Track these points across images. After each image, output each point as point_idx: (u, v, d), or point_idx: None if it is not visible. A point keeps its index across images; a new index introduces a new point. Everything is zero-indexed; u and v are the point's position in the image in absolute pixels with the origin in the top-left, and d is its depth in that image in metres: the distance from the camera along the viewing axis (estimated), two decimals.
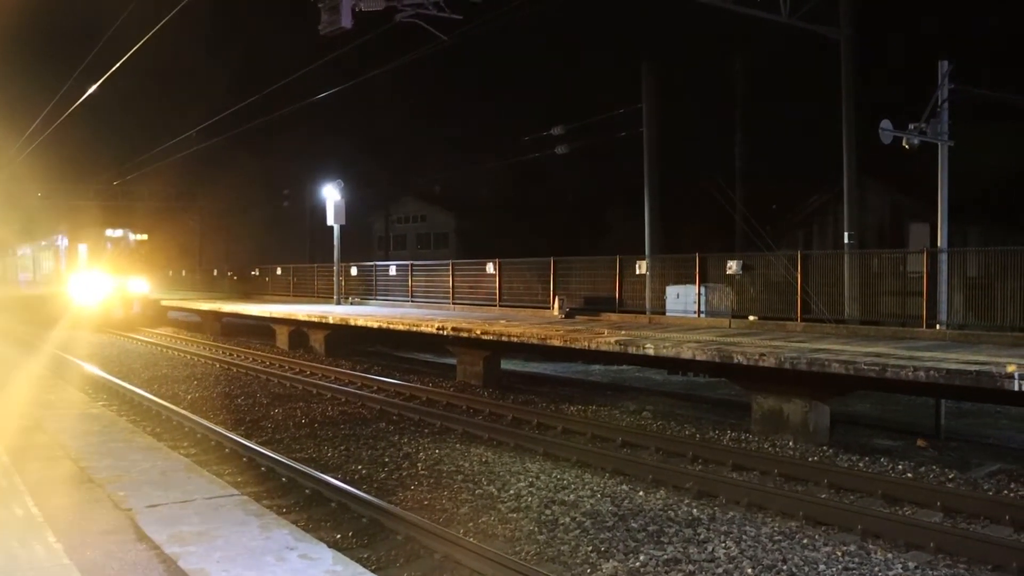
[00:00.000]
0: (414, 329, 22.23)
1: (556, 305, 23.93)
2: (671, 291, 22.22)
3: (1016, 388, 10.54)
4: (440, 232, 64.78)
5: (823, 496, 10.49)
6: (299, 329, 29.25)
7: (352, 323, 25.30)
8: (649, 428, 14.85)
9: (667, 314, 21.97)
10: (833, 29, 20.68)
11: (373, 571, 7.60)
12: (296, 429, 14.94)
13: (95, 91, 22.59)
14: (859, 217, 22.18)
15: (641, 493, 10.62)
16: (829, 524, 9.32)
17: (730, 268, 20.39)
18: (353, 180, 40.17)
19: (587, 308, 23.62)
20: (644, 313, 22.59)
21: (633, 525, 9.21)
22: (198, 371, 22.96)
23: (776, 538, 8.82)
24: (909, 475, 11.43)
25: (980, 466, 12.31)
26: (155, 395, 17.54)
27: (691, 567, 8.01)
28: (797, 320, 18.54)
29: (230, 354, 27.18)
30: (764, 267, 20.68)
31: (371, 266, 36.58)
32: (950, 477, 11.26)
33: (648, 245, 27.48)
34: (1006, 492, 10.62)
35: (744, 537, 8.83)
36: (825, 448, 12.90)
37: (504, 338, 18.79)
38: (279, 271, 44.61)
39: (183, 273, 59.78)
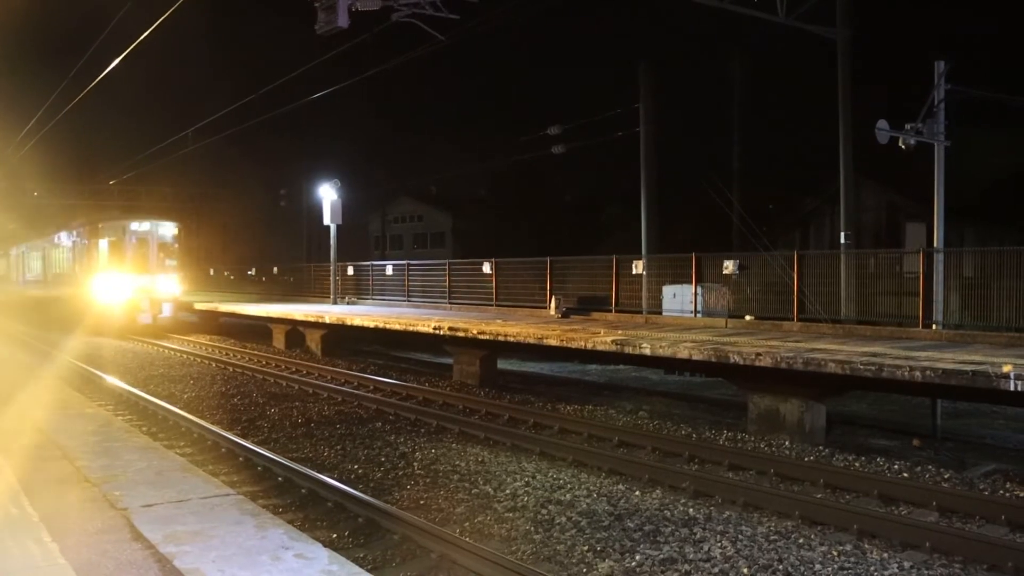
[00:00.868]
0: (410, 329, 22.22)
1: (553, 305, 23.93)
2: (668, 291, 22.22)
3: (1012, 388, 10.55)
4: (436, 232, 64.78)
5: (819, 496, 10.49)
6: (295, 329, 29.23)
7: (349, 323, 25.29)
8: (645, 428, 14.85)
9: (664, 314, 21.97)
10: (830, 29, 20.69)
11: (369, 571, 7.59)
12: (292, 429, 14.93)
13: (91, 90, 22.55)
14: (856, 217, 22.21)
15: (637, 493, 10.62)
16: (825, 524, 9.32)
17: (727, 268, 20.39)
18: (350, 180, 40.16)
19: (584, 308, 23.62)
20: (641, 313, 22.59)
21: (629, 525, 9.21)
22: (193, 371, 22.92)
23: (772, 538, 8.82)
24: (905, 475, 11.44)
25: (976, 466, 12.32)
26: (152, 395, 17.53)
27: (687, 567, 8.00)
28: (794, 320, 18.54)
29: (225, 353, 27.17)
30: (761, 267, 20.68)
31: (368, 266, 36.55)
32: (946, 477, 11.27)
33: (645, 245, 27.48)
34: (1002, 492, 10.62)
35: (740, 537, 8.84)
36: (821, 448, 12.91)
37: (501, 338, 18.78)
38: (275, 270, 44.57)
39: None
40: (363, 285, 35.27)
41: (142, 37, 17.65)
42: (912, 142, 17.51)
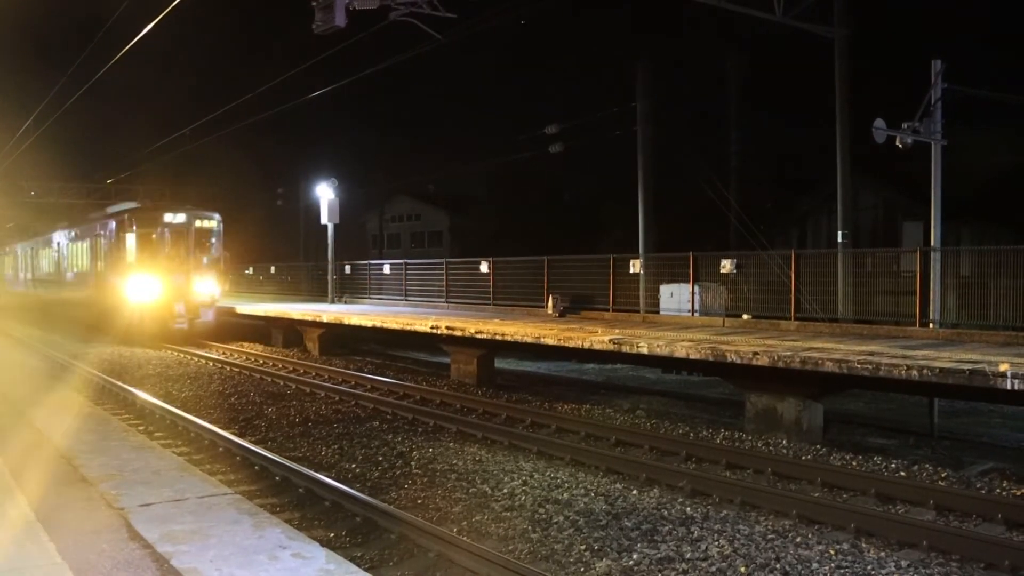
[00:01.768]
0: (408, 328, 22.22)
1: (550, 304, 23.93)
2: (665, 290, 22.23)
3: (1008, 387, 10.56)
4: (434, 231, 64.74)
5: (817, 495, 10.50)
6: (293, 328, 29.22)
7: (346, 322, 25.28)
8: (643, 427, 14.86)
9: (661, 313, 21.98)
10: (827, 28, 20.70)
11: (366, 570, 7.59)
12: (290, 428, 14.92)
13: (88, 90, 22.53)
14: (853, 216, 22.23)
15: (635, 492, 10.63)
16: (822, 522, 9.33)
17: (724, 267, 20.41)
18: (347, 178, 40.12)
19: (581, 307, 23.63)
20: (638, 312, 22.60)
21: (627, 524, 9.22)
22: (191, 370, 22.91)
23: (770, 536, 8.83)
24: (902, 473, 11.45)
25: (973, 464, 12.34)
26: (150, 395, 17.53)
27: (684, 566, 8.01)
28: (791, 319, 18.56)
29: (222, 352, 27.16)
30: (758, 266, 20.70)
31: (365, 265, 36.54)
32: (943, 476, 11.28)
33: (642, 244, 27.47)
34: (998, 490, 10.64)
35: (738, 536, 8.84)
36: (819, 447, 12.92)
37: (498, 337, 18.78)
38: (273, 269, 44.56)
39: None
40: (361, 284, 35.26)
41: (139, 37, 17.65)
42: (909, 141, 17.52)
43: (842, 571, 7.94)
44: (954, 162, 18.82)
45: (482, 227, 56.08)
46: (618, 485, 10.96)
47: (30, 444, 9.28)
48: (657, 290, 22.52)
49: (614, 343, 15.99)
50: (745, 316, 19.94)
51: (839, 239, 20.85)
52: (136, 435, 10.52)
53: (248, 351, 27.85)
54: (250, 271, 47.23)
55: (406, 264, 33.08)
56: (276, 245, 60.33)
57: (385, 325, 23.30)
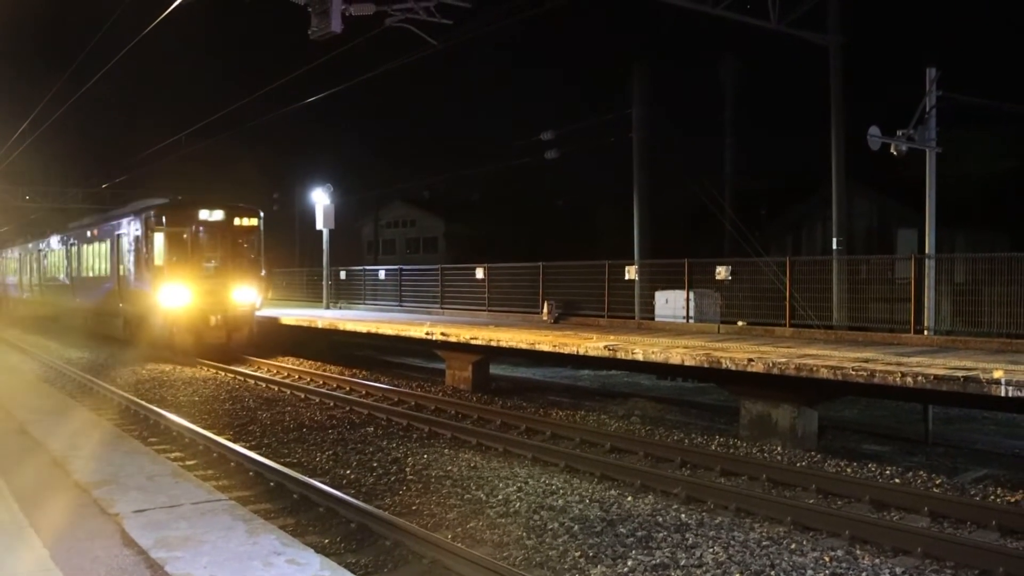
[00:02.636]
0: (402, 334, 22.21)
1: (545, 310, 23.94)
2: (660, 296, 22.25)
3: (1003, 394, 10.56)
4: (429, 236, 64.75)
5: (811, 501, 10.50)
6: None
7: (341, 327, 25.25)
8: (638, 433, 14.86)
9: (656, 319, 21.99)
10: (822, 36, 20.77)
11: None
12: (284, 434, 14.90)
13: (83, 94, 22.50)
14: (847, 223, 22.27)
15: (630, 498, 10.62)
16: (817, 529, 9.33)
17: (719, 274, 20.42)
18: (343, 184, 40.05)
19: (576, 313, 23.63)
20: (633, 318, 22.62)
21: (622, 530, 9.21)
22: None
23: (764, 543, 8.83)
24: (897, 480, 11.46)
25: (967, 471, 12.34)
26: (143, 399, 17.49)
27: (679, 572, 8.01)
28: (786, 326, 18.56)
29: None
30: (753, 273, 20.71)
31: (361, 270, 36.52)
32: (937, 482, 11.29)
33: (637, 250, 27.51)
34: (993, 497, 10.65)
35: (732, 542, 8.84)
36: (813, 453, 12.93)
37: (493, 343, 18.77)
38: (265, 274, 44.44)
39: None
40: (356, 290, 35.24)
41: (133, 43, 17.65)
42: (904, 148, 17.55)
43: None
44: (949, 169, 18.86)
45: (477, 233, 56.09)
46: (613, 492, 10.95)
47: (23, 449, 9.26)
48: (652, 296, 22.53)
49: (609, 349, 15.99)
50: (740, 323, 19.94)
51: (834, 246, 20.90)
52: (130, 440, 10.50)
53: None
54: None
55: (401, 270, 33.10)
56: (271, 250, 60.28)
57: (380, 331, 23.28)
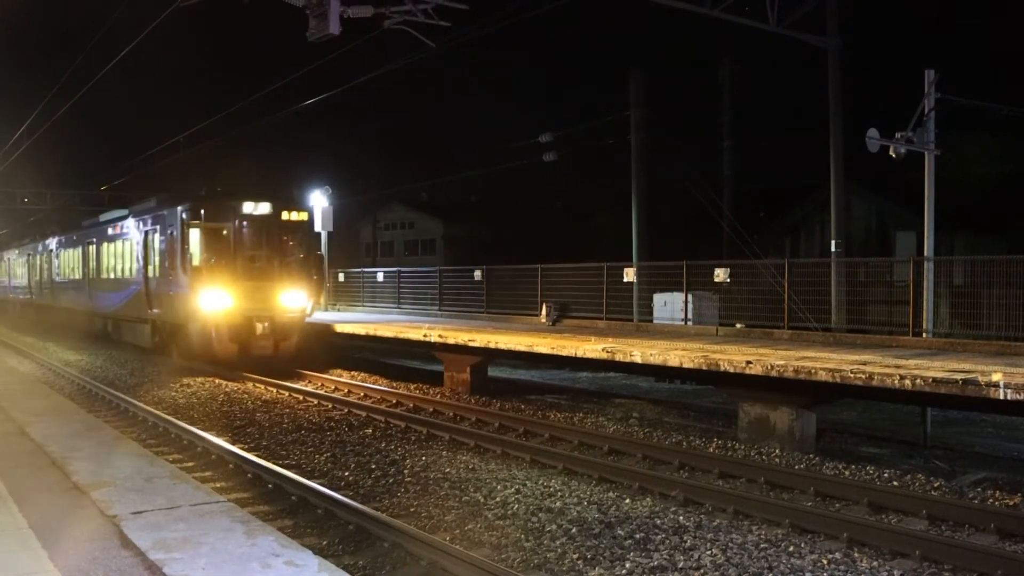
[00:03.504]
0: (400, 336, 22.19)
1: (543, 312, 23.95)
2: (658, 299, 22.26)
3: (1001, 396, 10.57)
4: (428, 239, 64.77)
5: (809, 504, 10.51)
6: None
7: (338, 330, 25.21)
8: (636, 435, 14.86)
9: (654, 321, 22.00)
10: (821, 38, 20.78)
11: None
12: (282, 435, 14.89)
13: (82, 97, 22.50)
14: (846, 225, 22.28)
15: (628, 500, 10.62)
16: (815, 532, 9.33)
17: (717, 276, 20.43)
18: (341, 186, 40.04)
19: (574, 315, 23.63)
20: (631, 320, 22.63)
21: (619, 532, 9.21)
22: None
23: (762, 546, 8.83)
24: (895, 483, 11.46)
25: (965, 474, 12.35)
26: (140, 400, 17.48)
27: (677, 575, 8.01)
28: (784, 328, 18.58)
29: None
30: (751, 275, 20.72)
31: (359, 273, 36.51)
32: (936, 485, 11.29)
33: (635, 252, 27.51)
34: (991, 500, 10.66)
35: (730, 545, 8.84)
36: (811, 456, 12.93)
37: (491, 345, 18.76)
38: None
39: None
40: (354, 292, 35.23)
41: (132, 45, 17.64)
42: (903, 151, 17.56)
43: None
44: (947, 172, 18.88)
45: (475, 235, 56.10)
46: (611, 494, 10.96)
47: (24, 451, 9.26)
48: (651, 299, 22.54)
49: (607, 351, 15.99)
50: (738, 325, 19.96)
51: (832, 248, 20.91)
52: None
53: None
54: None
55: (399, 272, 33.09)
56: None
57: (377, 333, 23.26)
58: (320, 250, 26.77)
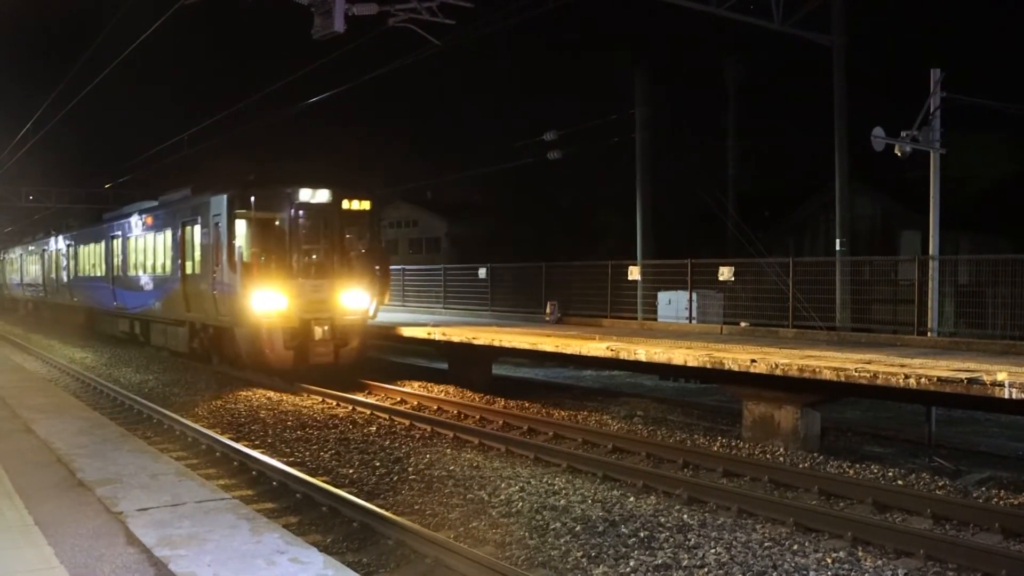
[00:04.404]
0: (405, 334, 22.18)
1: (548, 310, 23.95)
2: (663, 297, 22.26)
3: (1006, 396, 10.54)
4: (432, 237, 64.71)
5: (813, 503, 10.50)
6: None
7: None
8: (640, 434, 14.86)
9: (659, 320, 22.00)
10: (825, 36, 20.74)
11: (363, 575, 7.60)
12: (286, 433, 14.90)
13: (87, 95, 22.53)
14: (851, 224, 22.24)
15: (632, 499, 10.62)
16: (819, 531, 9.32)
17: (722, 274, 20.42)
18: (343, 184, 39.90)
19: (579, 313, 23.64)
20: (636, 319, 22.64)
21: (624, 531, 9.21)
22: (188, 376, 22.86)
23: (766, 544, 8.83)
24: (899, 482, 11.45)
25: (970, 473, 12.33)
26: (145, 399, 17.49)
27: (682, 573, 8.01)
28: (789, 327, 18.56)
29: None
30: (756, 274, 20.71)
31: None
32: (940, 484, 11.28)
33: (640, 251, 27.50)
34: (996, 499, 10.64)
35: (735, 543, 8.84)
36: (816, 455, 12.91)
37: (495, 343, 18.76)
38: None
39: None
40: None
41: (138, 42, 17.67)
42: (908, 149, 17.52)
43: None
44: (953, 171, 18.85)
45: (480, 233, 56.05)
46: (615, 492, 10.96)
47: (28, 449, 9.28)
48: (655, 297, 22.54)
49: (611, 350, 15.98)
50: (743, 324, 19.94)
51: (837, 247, 20.88)
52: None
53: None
54: None
55: (404, 270, 33.10)
56: None
57: (382, 331, 23.25)
58: (383, 242, 23.74)
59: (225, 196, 20.34)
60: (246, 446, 13.10)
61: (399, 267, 34.02)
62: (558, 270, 24.95)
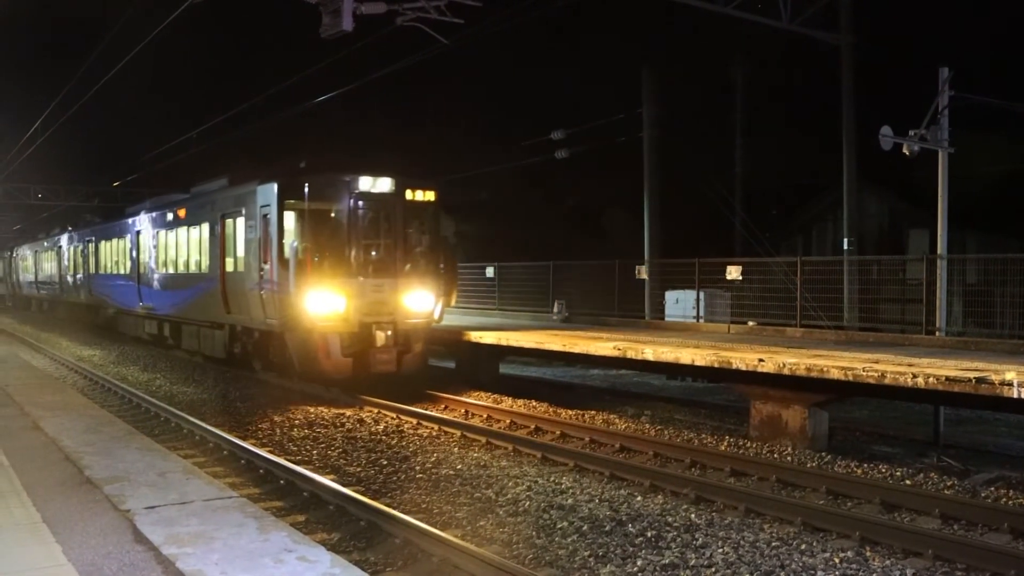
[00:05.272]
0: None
1: (555, 309, 23.94)
2: (670, 296, 22.25)
3: (1015, 396, 10.51)
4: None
5: (821, 502, 10.48)
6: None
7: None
8: (647, 433, 14.84)
9: (666, 319, 21.99)
10: (833, 35, 20.71)
11: (370, 574, 7.61)
12: (294, 432, 14.92)
13: (95, 93, 22.58)
14: (858, 223, 22.20)
15: (639, 498, 10.61)
16: (827, 530, 9.30)
17: (730, 274, 20.39)
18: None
19: (586, 312, 23.63)
20: (643, 318, 22.63)
21: (631, 530, 9.20)
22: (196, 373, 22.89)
23: (774, 544, 8.81)
24: (907, 482, 11.43)
25: (978, 473, 12.29)
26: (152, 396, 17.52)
27: (689, 573, 8.00)
28: (796, 326, 18.53)
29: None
30: (763, 273, 20.69)
31: None
32: (948, 484, 11.25)
33: (647, 250, 27.48)
34: (1005, 499, 10.61)
35: (742, 543, 8.82)
36: (823, 454, 12.89)
37: (503, 342, 18.75)
38: None
39: None
40: None
41: (146, 40, 17.69)
42: (916, 149, 17.49)
43: None
44: (961, 170, 18.78)
45: (487, 232, 56.03)
46: (622, 491, 10.95)
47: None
48: (662, 296, 22.52)
49: (619, 349, 15.97)
50: (750, 323, 19.92)
51: (845, 246, 20.85)
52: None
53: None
54: None
55: None
56: None
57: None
58: (449, 236, 21.77)
59: (275, 185, 18.24)
60: (253, 445, 13.13)
61: None
62: (565, 269, 24.94)
